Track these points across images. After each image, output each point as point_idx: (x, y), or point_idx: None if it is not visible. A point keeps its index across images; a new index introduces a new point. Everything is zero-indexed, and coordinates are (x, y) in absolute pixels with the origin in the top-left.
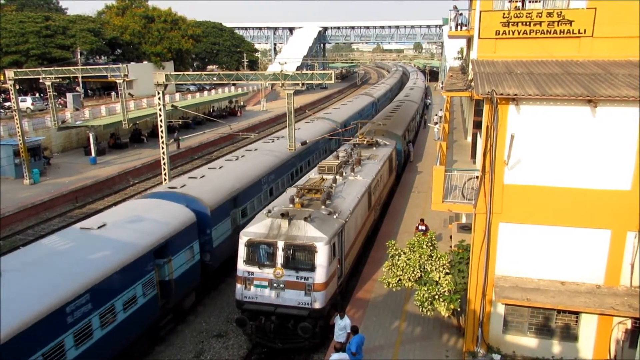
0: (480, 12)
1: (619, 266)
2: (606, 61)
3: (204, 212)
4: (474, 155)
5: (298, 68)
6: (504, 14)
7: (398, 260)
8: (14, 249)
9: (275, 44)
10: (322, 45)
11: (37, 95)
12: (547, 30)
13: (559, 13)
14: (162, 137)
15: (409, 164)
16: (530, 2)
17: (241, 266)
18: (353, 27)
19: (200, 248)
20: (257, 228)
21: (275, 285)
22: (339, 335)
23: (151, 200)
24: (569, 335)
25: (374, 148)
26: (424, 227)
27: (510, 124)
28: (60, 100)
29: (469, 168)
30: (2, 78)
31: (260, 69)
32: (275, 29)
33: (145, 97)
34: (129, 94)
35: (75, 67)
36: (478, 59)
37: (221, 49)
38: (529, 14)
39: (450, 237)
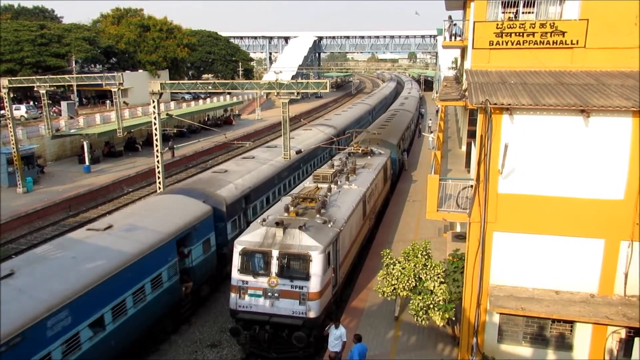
0: (474, 22)
1: (613, 275)
2: (599, 72)
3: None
4: (468, 165)
5: (293, 77)
6: (497, 24)
7: (393, 269)
8: (6, 259)
9: (270, 53)
10: (317, 54)
11: (32, 103)
12: (540, 41)
13: (552, 24)
14: (157, 146)
15: (403, 172)
16: (523, 13)
17: (235, 275)
18: (348, 37)
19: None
20: (251, 237)
21: (269, 294)
22: (334, 345)
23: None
24: (564, 344)
25: (369, 157)
26: None
27: (504, 133)
28: (54, 108)
29: (463, 177)
30: None
31: (255, 77)
32: (271, 38)
33: (140, 106)
34: (124, 102)
35: (70, 76)
36: (472, 69)
37: (216, 58)
38: (522, 24)
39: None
